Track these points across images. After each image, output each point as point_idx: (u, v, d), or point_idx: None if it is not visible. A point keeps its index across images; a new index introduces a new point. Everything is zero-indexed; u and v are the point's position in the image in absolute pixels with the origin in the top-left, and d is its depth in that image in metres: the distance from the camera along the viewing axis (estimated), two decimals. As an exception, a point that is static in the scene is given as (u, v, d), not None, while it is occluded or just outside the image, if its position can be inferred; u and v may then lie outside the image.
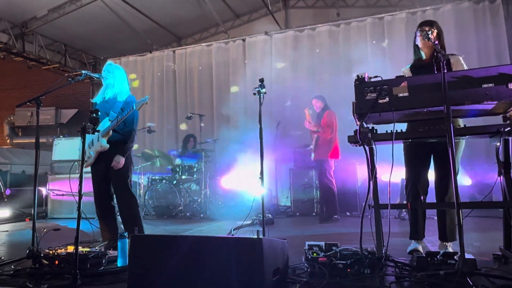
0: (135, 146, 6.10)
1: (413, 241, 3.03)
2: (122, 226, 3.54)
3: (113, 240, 3.36)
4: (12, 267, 2.77)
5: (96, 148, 3.44)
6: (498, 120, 2.61)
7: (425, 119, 2.64)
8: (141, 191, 7.11)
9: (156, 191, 6.77)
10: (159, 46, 9.51)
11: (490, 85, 2.32)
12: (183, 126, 8.62)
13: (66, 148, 6.95)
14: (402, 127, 2.74)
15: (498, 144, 2.60)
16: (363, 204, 2.59)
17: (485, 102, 2.34)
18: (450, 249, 2.86)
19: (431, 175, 3.03)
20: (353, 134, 2.55)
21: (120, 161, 3.41)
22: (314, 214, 6.20)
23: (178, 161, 7.21)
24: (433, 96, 2.37)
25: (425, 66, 2.97)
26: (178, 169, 6.75)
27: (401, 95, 2.46)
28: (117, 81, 3.58)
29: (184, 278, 2.02)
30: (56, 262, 2.67)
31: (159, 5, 8.24)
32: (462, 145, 2.97)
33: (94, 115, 2.56)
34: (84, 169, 2.53)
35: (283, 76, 7.78)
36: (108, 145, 3.41)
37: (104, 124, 3.39)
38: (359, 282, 2.21)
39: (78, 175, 2.42)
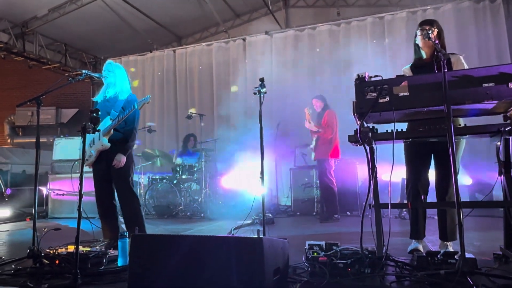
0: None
1: (413, 240, 3.03)
2: (122, 225, 3.54)
3: (113, 240, 3.36)
4: (13, 266, 2.77)
5: (97, 147, 3.44)
6: (498, 119, 2.61)
7: (426, 118, 2.64)
8: (142, 191, 7.12)
9: (157, 190, 6.78)
10: (159, 45, 9.50)
11: (491, 84, 2.32)
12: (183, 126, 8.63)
13: (66, 148, 6.97)
14: (402, 126, 2.74)
15: (499, 143, 2.60)
16: (364, 203, 2.59)
17: (486, 102, 2.34)
18: (450, 249, 2.86)
19: (432, 174, 3.03)
20: (353, 133, 2.55)
21: (121, 159, 3.41)
22: (314, 213, 6.20)
23: (178, 160, 7.21)
24: (433, 95, 2.37)
25: (426, 66, 2.97)
26: (178, 169, 6.76)
27: (401, 94, 2.46)
28: (118, 80, 3.58)
29: (185, 278, 2.02)
30: (57, 261, 2.67)
31: (159, 4, 8.24)
32: (462, 144, 2.97)
33: (94, 114, 2.56)
34: (86, 169, 2.53)
35: (283, 76, 7.77)
36: (109, 144, 3.41)
37: (105, 123, 3.39)
38: (359, 282, 2.21)
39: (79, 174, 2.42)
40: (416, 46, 3.05)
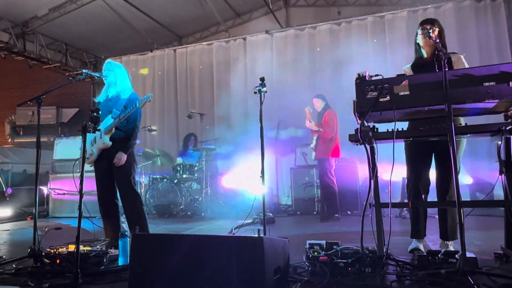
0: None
1: (414, 240, 3.02)
2: (123, 225, 3.54)
3: (114, 239, 3.36)
4: (14, 266, 2.78)
5: (99, 146, 3.43)
6: (499, 118, 2.61)
7: (426, 117, 2.63)
8: (142, 190, 7.12)
9: (157, 190, 6.79)
10: (160, 45, 9.50)
11: (492, 83, 2.32)
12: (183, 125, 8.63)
13: (67, 147, 6.98)
14: (403, 125, 2.74)
15: (500, 142, 2.59)
16: (364, 203, 2.59)
17: (487, 101, 2.34)
18: (451, 248, 2.86)
19: (432, 174, 3.03)
20: (354, 132, 2.54)
21: (122, 157, 3.40)
22: (315, 213, 6.20)
23: (179, 160, 7.22)
24: (434, 94, 2.36)
25: (426, 65, 2.96)
26: (179, 168, 6.76)
27: (402, 93, 2.45)
28: (119, 78, 3.58)
29: (185, 277, 2.02)
30: (58, 261, 2.67)
31: (159, 4, 8.24)
32: (463, 143, 2.96)
33: (94, 114, 2.56)
34: (87, 168, 2.53)
35: (283, 75, 7.77)
36: (110, 143, 3.41)
37: (107, 122, 3.39)
38: (360, 281, 2.21)
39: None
40: (417, 45, 3.05)
